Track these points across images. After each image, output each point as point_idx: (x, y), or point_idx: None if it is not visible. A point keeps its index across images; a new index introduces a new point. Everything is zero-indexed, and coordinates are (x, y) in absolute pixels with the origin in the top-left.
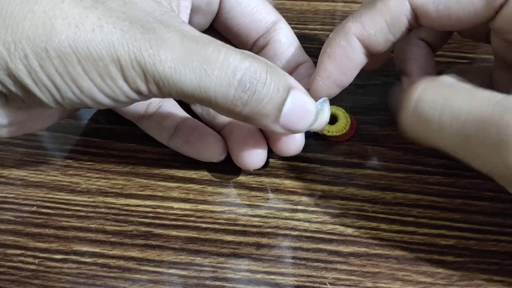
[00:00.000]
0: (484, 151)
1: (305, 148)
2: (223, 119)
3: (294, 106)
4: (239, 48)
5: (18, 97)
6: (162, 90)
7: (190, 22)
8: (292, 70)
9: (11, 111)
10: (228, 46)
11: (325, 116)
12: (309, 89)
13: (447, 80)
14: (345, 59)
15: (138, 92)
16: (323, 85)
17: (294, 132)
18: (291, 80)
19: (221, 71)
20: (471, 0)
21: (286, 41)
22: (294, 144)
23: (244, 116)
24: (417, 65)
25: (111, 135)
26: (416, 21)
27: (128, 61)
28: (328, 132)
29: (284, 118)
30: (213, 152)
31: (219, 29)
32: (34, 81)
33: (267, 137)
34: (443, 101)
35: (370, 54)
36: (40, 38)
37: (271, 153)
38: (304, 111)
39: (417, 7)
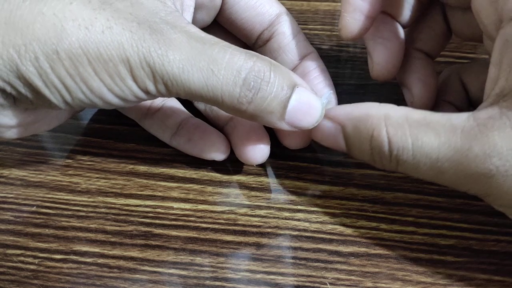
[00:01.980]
0: (458, 179)
1: (305, 148)
2: (226, 115)
3: (299, 103)
4: (244, 42)
5: (27, 99)
6: (170, 89)
7: (194, 19)
8: (297, 62)
9: (18, 112)
10: (233, 46)
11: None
12: (341, 29)
13: (398, 113)
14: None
15: (147, 91)
16: (352, 19)
17: (301, 129)
18: (296, 78)
19: (227, 70)
20: None
21: (290, 33)
22: (303, 136)
23: (250, 114)
24: (416, 77)
25: (111, 135)
26: None
27: (138, 62)
28: None
29: (290, 115)
30: (216, 151)
31: (223, 24)
32: (45, 83)
33: (276, 131)
34: (412, 143)
35: None
36: (51, 40)
37: (271, 153)
38: (310, 108)
39: None
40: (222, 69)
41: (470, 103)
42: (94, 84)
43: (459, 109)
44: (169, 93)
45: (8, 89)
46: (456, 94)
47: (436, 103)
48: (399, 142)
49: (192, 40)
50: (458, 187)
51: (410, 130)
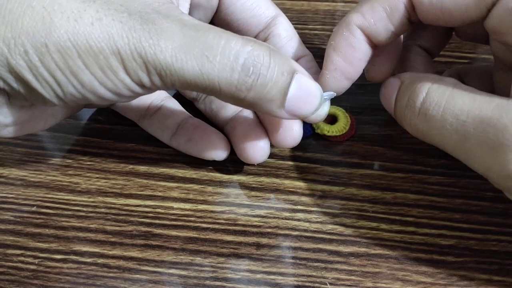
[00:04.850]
0: (480, 152)
1: (305, 148)
2: (225, 115)
3: (299, 90)
4: None
5: (21, 95)
6: (165, 80)
7: None
8: None
9: (14, 110)
10: (228, 32)
11: (325, 108)
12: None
13: (450, 81)
14: (349, 49)
15: (141, 84)
16: (331, 78)
17: (299, 117)
18: (295, 64)
19: (223, 56)
20: None
21: (286, 35)
22: (291, 136)
23: (249, 101)
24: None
25: (111, 135)
26: (414, 11)
27: (129, 53)
28: (328, 132)
29: (290, 103)
30: (216, 150)
31: (219, 25)
32: (35, 77)
33: (265, 130)
34: (446, 101)
35: (374, 45)
36: (40, 33)
37: (271, 153)
38: (309, 95)
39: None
40: (218, 55)
41: None
42: (84, 77)
43: None
44: (164, 85)
45: (1, 84)
46: None
47: None
48: (435, 96)
49: (185, 27)
50: (478, 163)
51: (452, 91)
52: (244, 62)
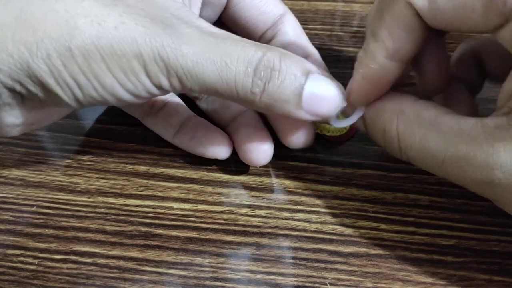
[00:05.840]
0: (466, 183)
1: (305, 148)
2: (228, 116)
3: (315, 90)
4: None
5: (36, 97)
6: (185, 84)
7: (200, 15)
8: None
9: (25, 111)
10: (244, 39)
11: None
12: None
13: (411, 111)
14: (379, 81)
15: (160, 87)
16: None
17: (322, 116)
18: (309, 65)
19: (239, 62)
20: (469, 15)
21: (293, 34)
22: (304, 135)
23: (264, 104)
24: (428, 55)
25: (111, 135)
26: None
27: (151, 56)
28: (328, 132)
29: (307, 103)
30: (219, 149)
31: (227, 21)
32: (57, 81)
33: (277, 130)
34: (419, 143)
35: (407, 61)
36: (64, 37)
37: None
38: (327, 93)
39: (418, 10)
40: (235, 60)
41: (484, 79)
42: (107, 80)
43: (472, 85)
44: (183, 88)
45: (18, 88)
46: (471, 69)
47: (450, 79)
48: (407, 140)
49: (204, 34)
50: (468, 188)
51: (419, 130)
52: (256, 67)
